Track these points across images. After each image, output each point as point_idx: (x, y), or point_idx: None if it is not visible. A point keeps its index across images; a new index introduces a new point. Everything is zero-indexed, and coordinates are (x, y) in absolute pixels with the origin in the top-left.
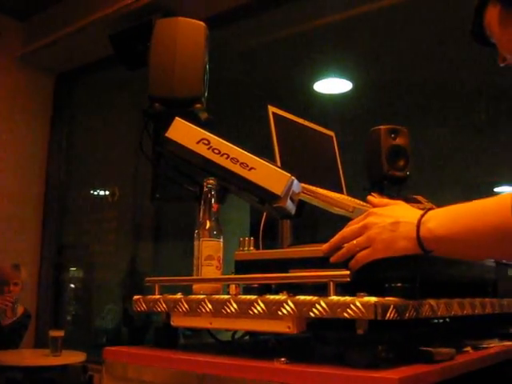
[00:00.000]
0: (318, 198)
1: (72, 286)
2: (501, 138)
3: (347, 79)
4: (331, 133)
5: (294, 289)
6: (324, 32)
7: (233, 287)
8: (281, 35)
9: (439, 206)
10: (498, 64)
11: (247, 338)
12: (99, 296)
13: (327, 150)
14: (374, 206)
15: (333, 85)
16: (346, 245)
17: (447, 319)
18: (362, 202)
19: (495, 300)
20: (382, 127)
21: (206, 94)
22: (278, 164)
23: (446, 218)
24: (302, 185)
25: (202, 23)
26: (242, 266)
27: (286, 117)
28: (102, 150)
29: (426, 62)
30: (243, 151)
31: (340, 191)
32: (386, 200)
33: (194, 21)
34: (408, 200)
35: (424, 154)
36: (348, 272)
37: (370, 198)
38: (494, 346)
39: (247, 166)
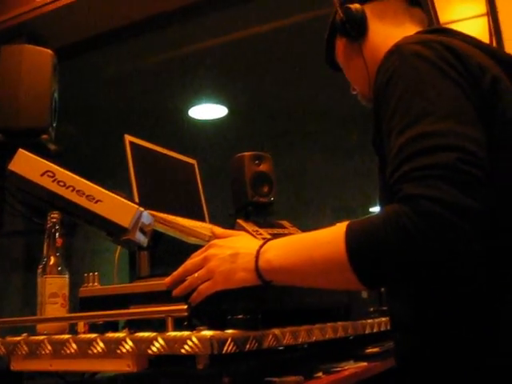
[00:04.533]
0: (174, 228)
1: None
2: (373, 160)
3: (222, 105)
4: (193, 161)
5: (140, 325)
6: (199, 57)
7: (81, 325)
8: (155, 60)
9: (307, 230)
10: (351, 92)
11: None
12: None
13: (188, 178)
14: (217, 237)
15: (208, 110)
16: (188, 278)
17: (305, 345)
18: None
19: (348, 323)
20: (245, 154)
21: (55, 124)
22: (136, 195)
23: (284, 249)
24: (158, 214)
25: (49, 51)
26: (87, 303)
27: (144, 146)
28: None
29: (299, 87)
30: (90, 183)
31: (202, 219)
32: (229, 231)
33: (40, 48)
34: (273, 225)
35: (298, 179)
36: (185, 307)
37: (213, 228)
38: (349, 367)
39: (94, 198)
